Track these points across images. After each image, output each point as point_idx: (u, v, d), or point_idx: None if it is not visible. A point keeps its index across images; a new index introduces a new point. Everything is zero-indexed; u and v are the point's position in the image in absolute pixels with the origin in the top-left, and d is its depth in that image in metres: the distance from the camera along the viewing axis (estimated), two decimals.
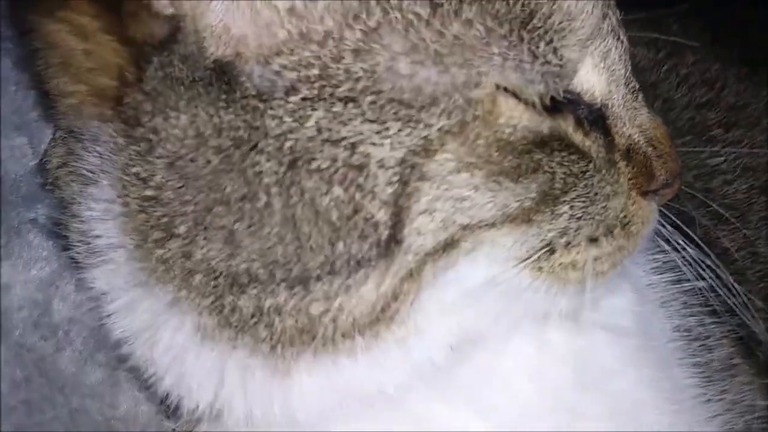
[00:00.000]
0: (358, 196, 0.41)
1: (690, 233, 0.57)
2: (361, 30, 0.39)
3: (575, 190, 0.46)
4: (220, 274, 0.44)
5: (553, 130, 0.45)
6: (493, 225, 0.44)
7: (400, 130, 0.40)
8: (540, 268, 0.48)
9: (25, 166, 0.51)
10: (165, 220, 0.44)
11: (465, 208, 0.43)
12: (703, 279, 0.59)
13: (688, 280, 0.61)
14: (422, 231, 0.43)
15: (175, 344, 0.46)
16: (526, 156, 0.43)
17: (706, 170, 0.67)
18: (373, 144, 0.40)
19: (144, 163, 0.43)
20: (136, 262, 0.46)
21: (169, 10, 0.38)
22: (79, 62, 0.43)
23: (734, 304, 0.60)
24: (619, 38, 0.49)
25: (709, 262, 0.58)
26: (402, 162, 0.41)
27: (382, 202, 0.41)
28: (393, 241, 0.43)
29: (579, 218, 0.47)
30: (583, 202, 0.47)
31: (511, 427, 0.53)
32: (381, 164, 0.40)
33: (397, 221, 0.42)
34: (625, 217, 0.50)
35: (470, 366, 0.53)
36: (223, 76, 0.40)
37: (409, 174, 0.41)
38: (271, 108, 0.39)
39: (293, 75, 0.39)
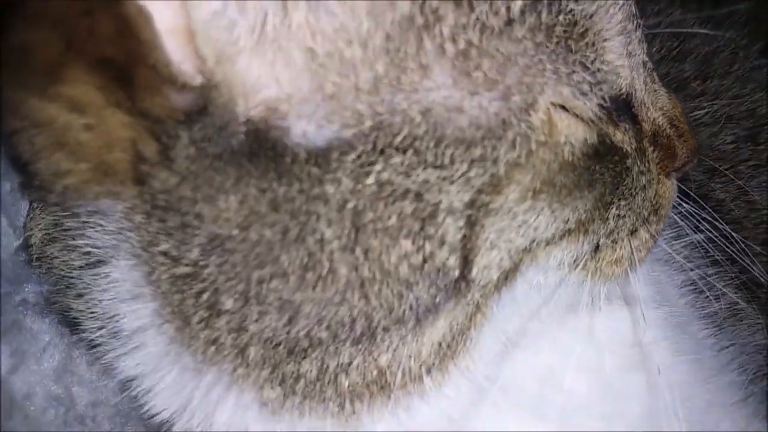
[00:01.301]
0: (427, 247, 0.38)
1: (684, 189, 0.58)
2: (412, 69, 0.35)
3: (620, 190, 0.45)
4: (278, 343, 0.41)
5: (598, 136, 0.43)
6: (552, 242, 0.43)
7: (467, 171, 0.37)
8: (586, 268, 0.48)
9: (8, 248, 0.44)
10: (206, 296, 0.40)
11: (528, 233, 0.41)
12: (701, 231, 0.61)
13: (687, 235, 0.62)
14: (489, 265, 0.41)
15: (236, 422, 0.43)
16: (584, 170, 0.41)
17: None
18: (440, 191, 0.37)
19: (174, 241, 0.38)
20: (178, 345, 0.41)
21: (198, 80, 0.32)
22: (79, 139, 0.36)
23: (733, 252, 0.62)
24: (636, 20, 0.47)
25: (705, 215, 0.59)
26: (470, 204, 0.38)
27: (451, 248, 0.39)
28: (462, 282, 0.40)
29: (624, 216, 0.47)
30: (627, 200, 0.46)
31: (564, 420, 0.54)
32: (449, 210, 0.38)
33: (466, 262, 0.40)
34: (656, 202, 0.50)
35: (516, 369, 0.53)
36: (265, 143, 0.35)
37: (476, 214, 0.38)
38: (328, 171, 0.35)
39: (348, 132, 0.35)
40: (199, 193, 0.35)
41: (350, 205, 0.36)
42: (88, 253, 0.43)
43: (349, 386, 0.42)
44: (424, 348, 0.43)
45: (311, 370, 0.42)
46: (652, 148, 0.49)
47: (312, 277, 0.38)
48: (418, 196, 0.37)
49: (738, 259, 0.62)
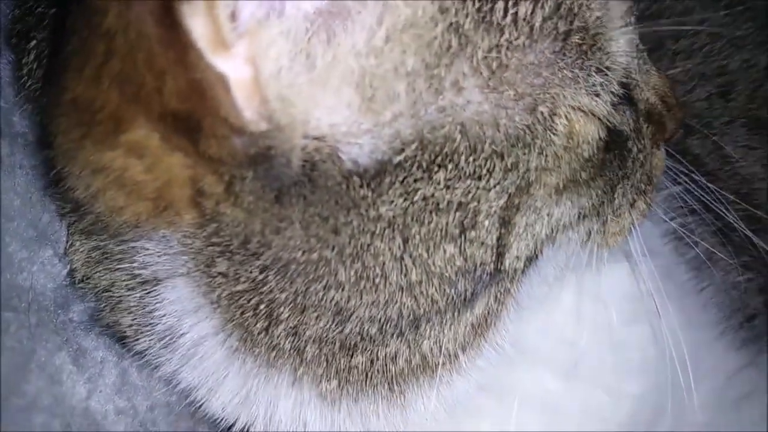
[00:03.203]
0: (468, 249, 0.42)
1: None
2: (448, 90, 0.38)
3: (623, 171, 0.50)
4: (333, 341, 0.44)
5: (607, 127, 0.47)
6: (569, 227, 0.47)
7: (502, 179, 0.40)
8: (594, 240, 0.52)
9: (56, 276, 0.46)
10: (263, 307, 0.43)
11: (551, 224, 0.45)
12: (679, 184, 0.66)
13: (666, 187, 0.68)
14: (518, 255, 0.45)
15: (297, 414, 0.47)
16: (598, 163, 0.45)
17: None
18: (479, 199, 0.40)
19: (233, 263, 0.41)
20: (241, 353, 0.44)
21: (264, 126, 0.34)
22: (137, 179, 0.38)
23: (709, 201, 0.68)
24: (633, 11, 0.50)
25: (682, 168, 0.64)
26: (505, 206, 0.41)
27: (488, 247, 0.42)
28: (496, 273, 0.45)
29: (626, 193, 0.51)
30: (629, 178, 0.51)
31: (576, 372, 0.60)
32: (487, 215, 0.41)
33: (499, 256, 0.44)
34: (651, 173, 0.54)
35: (528, 330, 0.58)
36: (323, 173, 0.37)
37: (509, 213, 0.42)
38: (381, 194, 0.38)
39: (397, 157, 0.38)
40: (267, 227, 0.38)
41: (400, 221, 0.39)
42: (137, 275, 0.46)
43: (396, 372, 0.47)
44: (460, 331, 0.47)
45: (363, 362, 0.46)
46: (646, 125, 0.53)
47: (366, 285, 0.41)
48: (460, 206, 0.40)
49: (713, 207, 0.68)
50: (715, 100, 0.73)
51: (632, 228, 0.54)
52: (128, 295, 0.47)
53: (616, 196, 0.50)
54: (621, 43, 0.45)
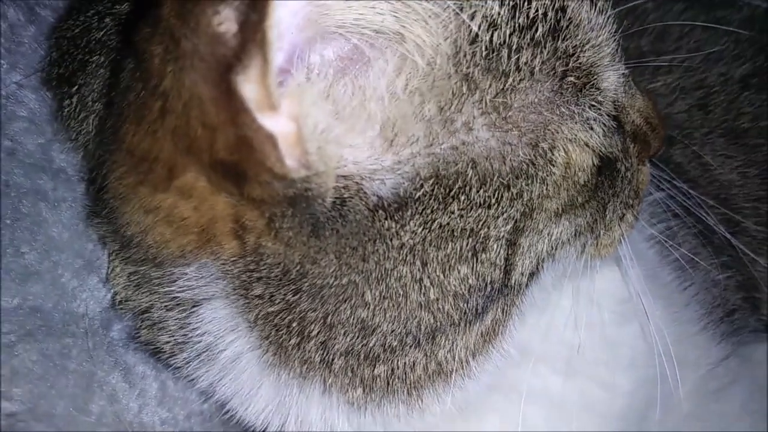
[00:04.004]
0: (479, 269, 0.47)
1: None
2: (459, 130, 0.43)
3: (613, 190, 0.55)
4: (358, 354, 0.49)
5: (599, 154, 0.52)
6: (567, 243, 0.52)
7: (509, 207, 0.45)
8: (587, 252, 0.57)
9: (102, 301, 0.50)
10: (295, 325, 0.47)
11: (551, 242, 0.50)
12: (662, 190, 0.72)
13: (651, 194, 0.73)
14: (523, 271, 0.50)
15: (327, 420, 0.51)
16: (591, 186, 0.50)
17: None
18: (488, 226, 0.45)
19: (269, 287, 0.45)
20: (276, 367, 0.49)
21: (303, 173, 0.39)
22: (184, 216, 0.42)
23: (690, 205, 0.73)
24: (616, 37, 0.54)
25: (665, 176, 0.70)
26: (511, 231, 0.46)
27: (497, 266, 0.47)
28: (503, 288, 0.50)
29: (616, 209, 0.56)
30: (619, 196, 0.56)
31: (571, 368, 0.65)
32: (496, 238, 0.46)
33: (506, 273, 0.49)
34: (637, 188, 0.60)
35: (529, 332, 0.63)
36: (352, 208, 0.42)
37: (515, 236, 0.47)
38: (404, 225, 0.43)
39: (417, 192, 0.42)
40: (305, 258, 0.42)
41: (419, 247, 0.44)
42: (176, 297, 0.50)
43: (415, 378, 0.52)
44: (471, 340, 0.52)
45: (385, 371, 0.50)
46: (633, 144, 0.58)
47: (389, 303, 0.46)
48: (472, 232, 0.45)
49: (695, 211, 0.74)
50: (694, 112, 0.78)
51: (622, 239, 0.59)
52: (167, 316, 0.51)
53: (607, 212, 0.55)
54: (611, 80, 0.50)
